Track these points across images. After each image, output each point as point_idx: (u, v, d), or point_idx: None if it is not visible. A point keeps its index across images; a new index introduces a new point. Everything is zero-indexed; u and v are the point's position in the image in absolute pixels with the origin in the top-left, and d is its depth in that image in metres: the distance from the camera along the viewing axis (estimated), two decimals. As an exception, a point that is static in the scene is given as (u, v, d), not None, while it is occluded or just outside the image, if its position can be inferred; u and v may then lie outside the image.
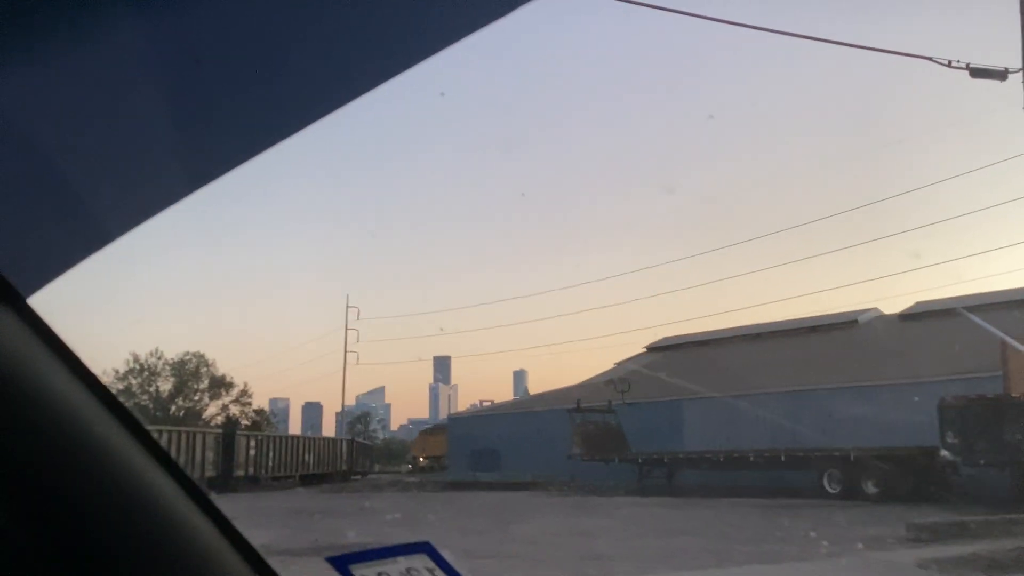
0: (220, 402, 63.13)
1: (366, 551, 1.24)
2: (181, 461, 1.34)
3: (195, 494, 1.30)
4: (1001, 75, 17.19)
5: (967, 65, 16.93)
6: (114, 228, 1.29)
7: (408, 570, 1.22)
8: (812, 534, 14.98)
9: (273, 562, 1.38)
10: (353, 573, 1.24)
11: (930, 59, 16.83)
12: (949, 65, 16.80)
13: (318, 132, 1.24)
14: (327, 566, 1.30)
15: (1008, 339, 20.82)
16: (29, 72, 1.06)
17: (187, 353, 62.65)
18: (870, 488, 23.80)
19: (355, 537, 15.17)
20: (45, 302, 1.23)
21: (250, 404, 64.25)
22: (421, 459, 57.07)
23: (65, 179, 1.21)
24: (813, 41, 17.27)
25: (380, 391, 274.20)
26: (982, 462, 21.31)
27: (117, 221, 1.29)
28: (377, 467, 57.76)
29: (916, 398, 24.44)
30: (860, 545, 13.80)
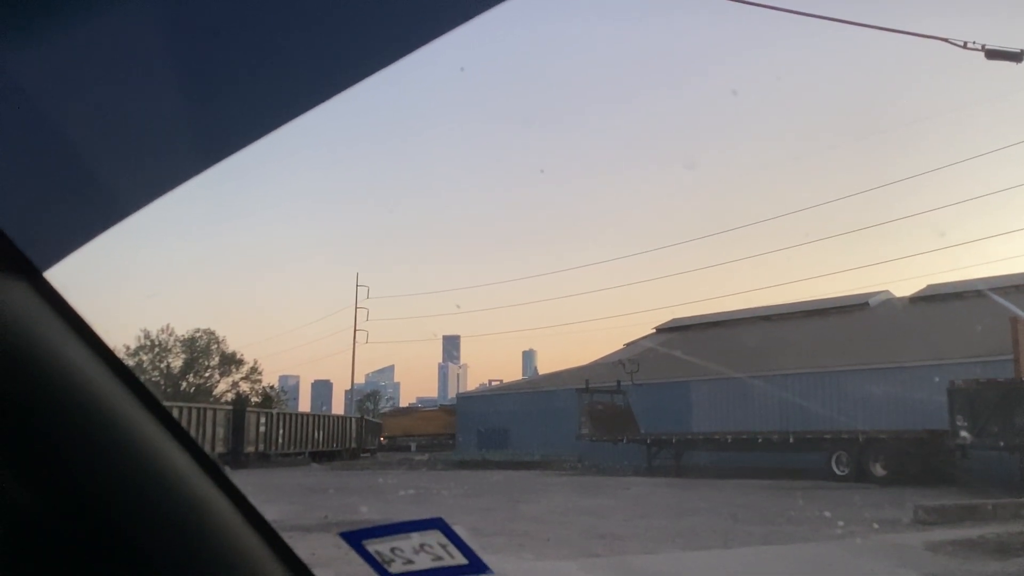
0: (230, 379, 63.58)
1: (379, 527, 1.25)
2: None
3: (209, 468, 1.31)
4: (1016, 57, 17.02)
5: (983, 46, 16.76)
6: (128, 204, 1.29)
7: (421, 546, 1.23)
8: (826, 514, 15.01)
9: (284, 538, 1.39)
10: (367, 548, 1.25)
11: (945, 40, 16.66)
12: (964, 46, 16.62)
13: (332, 109, 1.24)
14: (339, 541, 1.31)
15: (1021, 313, 20.74)
16: (46, 47, 1.06)
17: (198, 330, 63.15)
18: (878, 470, 23.81)
19: (366, 513, 15.27)
20: (61, 276, 1.23)
21: (260, 381, 64.67)
22: (382, 439, 58.04)
23: (80, 154, 1.21)
24: (831, 22, 17.08)
25: (390, 369, 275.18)
26: (992, 446, 21.27)
27: (132, 197, 1.29)
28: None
29: (926, 381, 24.41)
30: (876, 525, 13.84)
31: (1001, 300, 22.42)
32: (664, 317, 48.53)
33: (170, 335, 61.71)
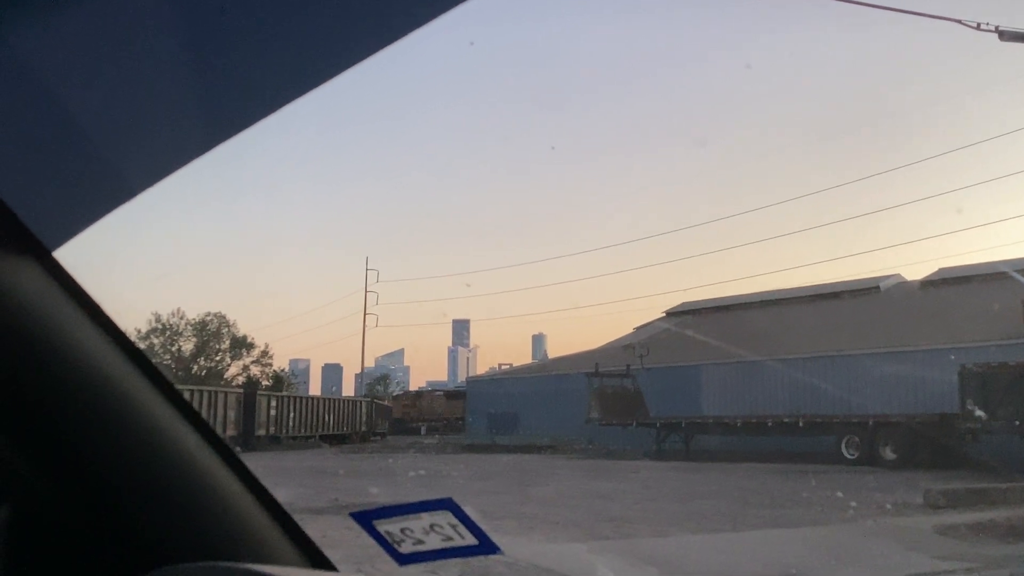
0: (241, 362, 63.79)
1: (389, 507, 1.25)
2: (203, 419, 1.35)
3: (221, 450, 1.31)
4: (1029, 38, 16.87)
5: (996, 27, 16.63)
6: (137, 183, 1.28)
7: (431, 526, 1.23)
8: (838, 495, 15.02)
9: (296, 519, 1.40)
10: (377, 529, 1.25)
11: (959, 22, 16.54)
12: (978, 27, 16.50)
13: (341, 87, 1.23)
14: (350, 522, 1.31)
15: None
16: (53, 27, 1.05)
17: (209, 313, 63.35)
18: (888, 454, 23.77)
19: (376, 495, 15.32)
20: (70, 256, 1.23)
21: (271, 365, 64.87)
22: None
23: (88, 133, 1.21)
24: (843, 3, 16.99)
25: (399, 353, 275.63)
26: (1003, 429, 21.21)
27: (140, 176, 1.28)
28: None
29: (937, 364, 24.32)
30: (889, 506, 13.84)
31: (1021, 278, 22.27)
32: (674, 301, 48.46)
33: (181, 318, 61.99)
